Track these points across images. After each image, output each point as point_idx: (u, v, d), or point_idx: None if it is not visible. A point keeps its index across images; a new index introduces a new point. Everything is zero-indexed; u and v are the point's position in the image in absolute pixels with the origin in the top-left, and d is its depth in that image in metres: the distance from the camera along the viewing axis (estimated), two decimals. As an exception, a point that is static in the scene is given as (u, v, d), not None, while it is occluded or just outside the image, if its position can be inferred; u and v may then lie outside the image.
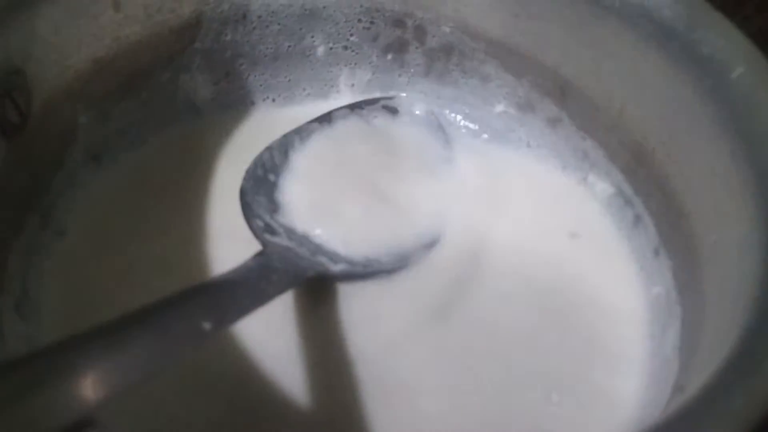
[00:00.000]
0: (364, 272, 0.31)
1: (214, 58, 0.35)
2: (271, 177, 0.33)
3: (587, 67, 0.32)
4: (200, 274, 0.30)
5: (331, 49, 0.37)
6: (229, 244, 0.31)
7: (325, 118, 0.36)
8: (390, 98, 0.38)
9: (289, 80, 0.38)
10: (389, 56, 0.38)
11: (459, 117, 0.38)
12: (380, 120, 0.37)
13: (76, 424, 0.15)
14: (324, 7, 0.36)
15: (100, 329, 0.19)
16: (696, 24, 0.27)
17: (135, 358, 0.18)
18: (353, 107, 0.37)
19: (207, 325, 0.21)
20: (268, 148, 0.33)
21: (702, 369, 0.22)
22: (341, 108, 0.36)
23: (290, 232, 0.31)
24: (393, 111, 0.38)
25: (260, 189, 0.32)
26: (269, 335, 0.28)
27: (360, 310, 0.30)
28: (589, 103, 0.33)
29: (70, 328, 0.26)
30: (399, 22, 0.36)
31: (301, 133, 0.35)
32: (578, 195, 0.35)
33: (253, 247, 0.28)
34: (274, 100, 0.37)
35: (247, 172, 0.32)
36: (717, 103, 0.26)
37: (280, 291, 0.27)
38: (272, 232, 0.30)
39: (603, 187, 0.34)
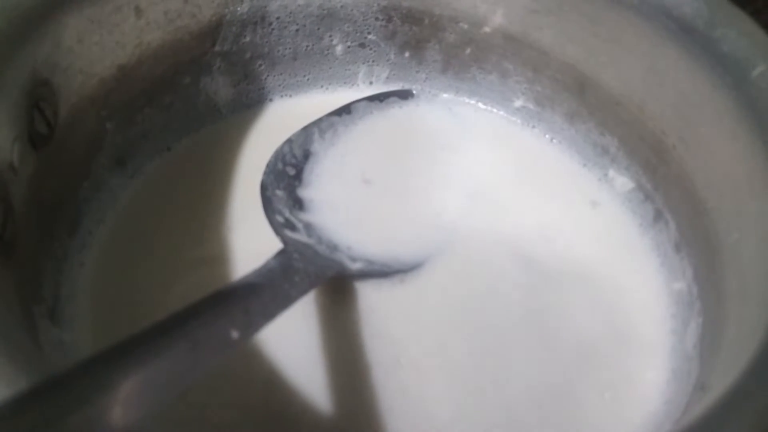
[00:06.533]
0: (382, 270, 0.31)
1: (233, 60, 0.35)
2: (291, 171, 0.33)
3: (606, 63, 0.32)
4: (228, 275, 0.30)
5: (349, 47, 0.37)
6: (254, 242, 0.30)
7: (344, 110, 0.36)
8: (406, 91, 0.38)
9: (308, 79, 0.38)
10: (407, 53, 0.38)
11: (480, 105, 0.38)
12: (397, 110, 0.37)
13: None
14: (341, 7, 0.36)
15: (132, 342, 0.19)
16: (716, 21, 0.27)
17: (170, 371, 0.18)
18: (371, 99, 0.37)
19: (235, 333, 0.21)
20: (288, 141, 0.34)
21: (725, 369, 0.22)
22: (359, 100, 0.37)
23: (309, 228, 0.31)
24: (409, 98, 0.38)
25: (280, 183, 0.32)
26: (285, 336, 0.28)
27: (377, 309, 0.30)
28: (609, 98, 0.33)
29: (103, 332, 0.28)
30: (416, 20, 0.37)
31: (321, 124, 0.35)
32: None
33: (277, 243, 0.29)
34: (291, 97, 0.38)
35: (268, 165, 0.32)
36: (737, 101, 0.26)
37: (302, 293, 0.27)
38: (292, 227, 0.31)
39: (623, 181, 0.34)
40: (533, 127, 0.37)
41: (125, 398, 0.17)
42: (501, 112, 0.37)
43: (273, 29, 0.36)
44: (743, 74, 0.26)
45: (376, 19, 0.37)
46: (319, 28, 0.36)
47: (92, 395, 0.17)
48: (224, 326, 0.21)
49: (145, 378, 0.18)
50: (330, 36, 0.37)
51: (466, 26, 0.36)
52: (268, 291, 0.25)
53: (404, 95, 0.38)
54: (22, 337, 0.21)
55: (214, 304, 0.23)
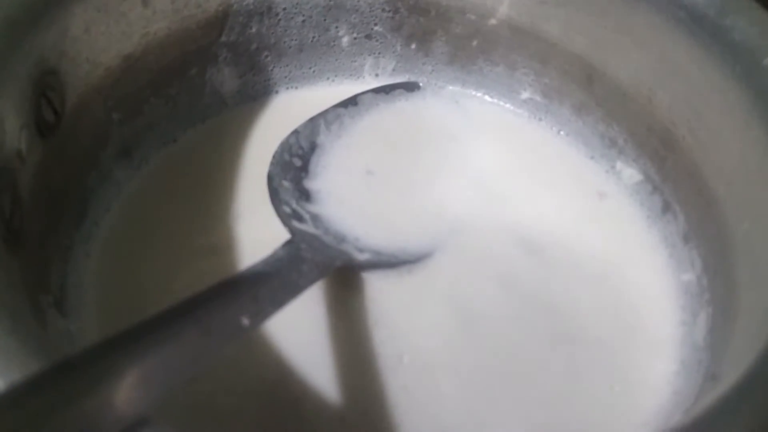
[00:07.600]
0: (389, 261, 0.31)
1: (240, 51, 0.35)
2: (297, 162, 0.33)
3: (615, 54, 0.32)
4: (234, 265, 0.30)
5: (355, 39, 0.37)
6: (261, 232, 0.30)
7: (350, 102, 0.36)
8: (413, 83, 0.38)
9: (314, 71, 0.38)
10: (413, 45, 0.38)
11: (487, 97, 0.38)
12: (404, 103, 0.37)
13: (131, 426, 0.16)
14: (348, -3, 0.36)
15: (142, 327, 0.19)
16: (727, 10, 0.27)
17: (180, 357, 0.18)
18: (377, 91, 0.37)
19: (245, 320, 0.21)
20: (294, 132, 0.34)
21: (736, 358, 0.22)
22: (365, 92, 0.37)
23: (316, 219, 0.31)
24: (415, 90, 0.38)
25: (287, 174, 0.32)
26: (292, 326, 0.28)
27: (384, 299, 0.30)
28: (617, 89, 0.33)
29: (110, 323, 0.28)
30: (423, 11, 0.37)
31: (327, 116, 0.35)
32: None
33: (283, 233, 0.29)
34: (297, 89, 0.38)
35: (274, 156, 0.32)
36: (748, 91, 0.26)
37: (310, 282, 0.27)
38: (299, 218, 0.31)
39: (631, 173, 0.34)
40: (540, 119, 0.37)
41: (135, 383, 0.17)
42: (508, 105, 0.37)
43: (279, 20, 0.35)
44: (754, 63, 0.26)
45: (383, 10, 0.37)
46: (325, 19, 0.36)
47: (102, 380, 0.17)
48: (234, 313, 0.21)
49: (155, 363, 0.18)
50: (336, 27, 0.37)
51: (473, 17, 0.36)
52: (277, 279, 0.25)
53: (410, 87, 0.38)
54: (32, 325, 0.21)
55: (224, 291, 0.23)
